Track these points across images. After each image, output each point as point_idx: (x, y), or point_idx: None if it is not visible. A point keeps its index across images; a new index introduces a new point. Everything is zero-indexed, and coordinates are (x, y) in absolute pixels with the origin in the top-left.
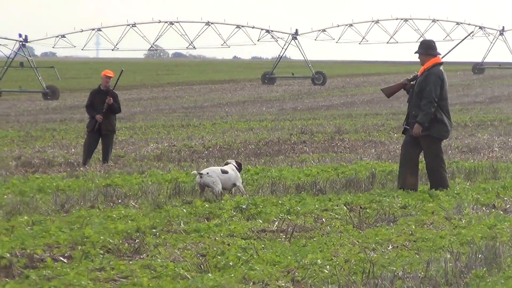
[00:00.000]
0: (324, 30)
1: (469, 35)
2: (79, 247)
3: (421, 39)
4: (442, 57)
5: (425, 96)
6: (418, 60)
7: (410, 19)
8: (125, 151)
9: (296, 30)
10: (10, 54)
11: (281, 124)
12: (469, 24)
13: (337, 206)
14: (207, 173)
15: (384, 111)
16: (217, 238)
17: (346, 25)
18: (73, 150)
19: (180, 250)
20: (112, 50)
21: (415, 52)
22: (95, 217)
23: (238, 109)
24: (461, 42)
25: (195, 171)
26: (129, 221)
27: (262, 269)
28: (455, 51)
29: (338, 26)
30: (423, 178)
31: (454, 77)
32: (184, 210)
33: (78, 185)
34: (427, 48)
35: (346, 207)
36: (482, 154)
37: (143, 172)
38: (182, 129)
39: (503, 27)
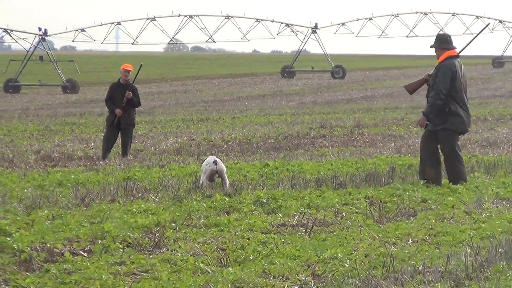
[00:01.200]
0: (343, 24)
1: (485, 27)
2: (99, 241)
3: (441, 33)
4: (459, 52)
5: (434, 88)
6: (433, 53)
7: (429, 12)
8: (145, 145)
9: (316, 23)
10: (30, 47)
11: (300, 118)
12: (488, 18)
13: (357, 200)
14: (220, 160)
15: (403, 105)
16: (237, 232)
17: (366, 18)
18: (92, 144)
19: (200, 244)
20: (132, 43)
21: (431, 46)
22: (115, 211)
23: (257, 103)
24: (477, 35)
25: (211, 157)
26: (149, 215)
27: (282, 263)
28: (473, 45)
29: (358, 19)
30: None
31: (474, 71)
32: (204, 204)
33: (98, 179)
34: (441, 42)
35: (366, 201)
36: (501, 148)
37: (163, 166)
38: (202, 123)
39: None
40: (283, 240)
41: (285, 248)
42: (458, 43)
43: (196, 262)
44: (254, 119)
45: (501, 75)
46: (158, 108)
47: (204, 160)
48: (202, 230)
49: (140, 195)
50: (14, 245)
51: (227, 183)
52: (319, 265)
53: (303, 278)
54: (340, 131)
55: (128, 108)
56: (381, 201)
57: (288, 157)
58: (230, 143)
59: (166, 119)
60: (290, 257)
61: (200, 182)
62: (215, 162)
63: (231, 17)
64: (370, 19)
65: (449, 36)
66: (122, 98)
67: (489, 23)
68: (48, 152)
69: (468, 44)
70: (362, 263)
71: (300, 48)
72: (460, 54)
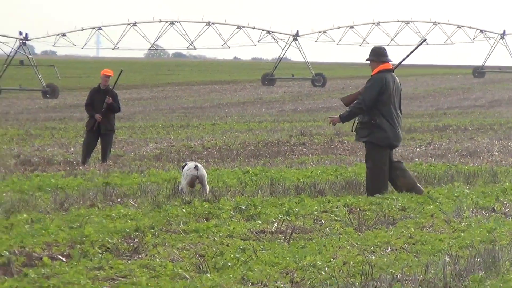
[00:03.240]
0: (324, 32)
1: (422, 42)
2: (78, 246)
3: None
4: (395, 67)
5: (358, 97)
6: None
7: (411, 21)
8: (124, 150)
9: (297, 31)
10: (10, 52)
11: (280, 126)
12: (470, 28)
13: (337, 207)
14: (201, 166)
15: None
16: (216, 239)
17: (347, 27)
18: (72, 149)
19: (179, 250)
20: (113, 49)
21: (366, 60)
22: (94, 216)
23: (237, 110)
24: (414, 50)
25: (192, 162)
26: (128, 221)
27: (260, 270)
28: (455, 54)
29: (339, 27)
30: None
31: (454, 81)
32: (183, 210)
33: (77, 184)
34: (375, 55)
35: (345, 209)
36: (481, 157)
37: (142, 171)
38: (182, 129)
39: (504, 30)
40: (262, 247)
41: (263, 255)
42: (438, 52)
43: (174, 268)
44: (234, 126)
45: (482, 85)
46: (138, 114)
47: (184, 166)
48: (181, 236)
49: (119, 200)
50: None
51: (207, 189)
52: (298, 272)
53: (282, 285)
54: (320, 139)
55: (108, 114)
56: (360, 209)
57: (268, 164)
58: (210, 149)
59: (146, 125)
60: (268, 264)
61: (180, 187)
62: (196, 167)
63: (212, 23)
64: (351, 27)
65: (384, 49)
66: (102, 103)
67: (425, 39)
68: (27, 157)
69: (404, 59)
70: (341, 271)
71: (281, 56)
72: (402, 64)
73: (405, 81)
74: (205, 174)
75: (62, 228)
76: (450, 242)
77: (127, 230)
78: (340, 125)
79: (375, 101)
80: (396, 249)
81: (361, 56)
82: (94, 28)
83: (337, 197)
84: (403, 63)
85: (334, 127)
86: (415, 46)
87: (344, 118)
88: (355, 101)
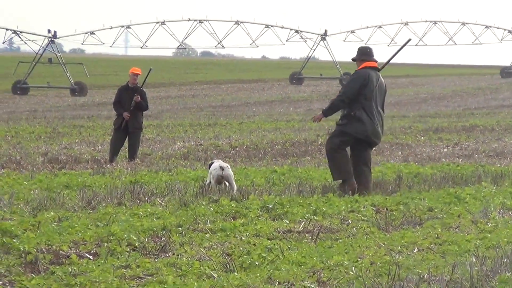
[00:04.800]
0: (353, 31)
1: (407, 42)
2: (105, 244)
3: (450, 42)
4: (381, 68)
5: (340, 90)
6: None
7: (439, 21)
8: (152, 149)
9: (325, 30)
10: (39, 50)
11: (308, 125)
12: (498, 28)
13: (364, 207)
14: (227, 166)
15: (411, 114)
16: (243, 238)
17: (375, 26)
18: (99, 147)
19: (206, 249)
20: (141, 47)
21: (352, 59)
22: (122, 214)
23: (265, 108)
24: (399, 50)
25: (218, 161)
26: (155, 219)
27: (287, 269)
28: (482, 54)
29: (367, 27)
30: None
31: (482, 81)
32: (211, 209)
33: (104, 182)
34: (360, 54)
35: (372, 209)
36: (509, 158)
37: (170, 170)
38: (209, 128)
39: None
40: (289, 246)
41: (290, 255)
42: (466, 52)
43: (201, 267)
44: (261, 125)
45: (509, 85)
46: (166, 112)
47: (211, 164)
48: (208, 234)
49: (146, 199)
50: (20, 246)
51: (235, 188)
52: (325, 272)
53: (308, 285)
54: None
55: (136, 112)
56: (387, 209)
57: (295, 163)
58: (237, 148)
59: (173, 124)
60: (295, 263)
61: (207, 182)
62: (221, 168)
63: (241, 22)
64: (380, 27)
65: (369, 49)
66: (130, 101)
67: (410, 39)
68: (55, 155)
69: (390, 59)
70: (368, 271)
71: (309, 55)
72: (390, 63)
73: (433, 81)
74: (231, 173)
75: (89, 226)
76: (477, 243)
77: (154, 228)
78: None
79: (356, 94)
80: (423, 250)
81: (389, 56)
82: (122, 27)
83: (364, 197)
84: (425, 62)
85: (318, 123)
86: (400, 47)
87: (326, 112)
88: (337, 95)
